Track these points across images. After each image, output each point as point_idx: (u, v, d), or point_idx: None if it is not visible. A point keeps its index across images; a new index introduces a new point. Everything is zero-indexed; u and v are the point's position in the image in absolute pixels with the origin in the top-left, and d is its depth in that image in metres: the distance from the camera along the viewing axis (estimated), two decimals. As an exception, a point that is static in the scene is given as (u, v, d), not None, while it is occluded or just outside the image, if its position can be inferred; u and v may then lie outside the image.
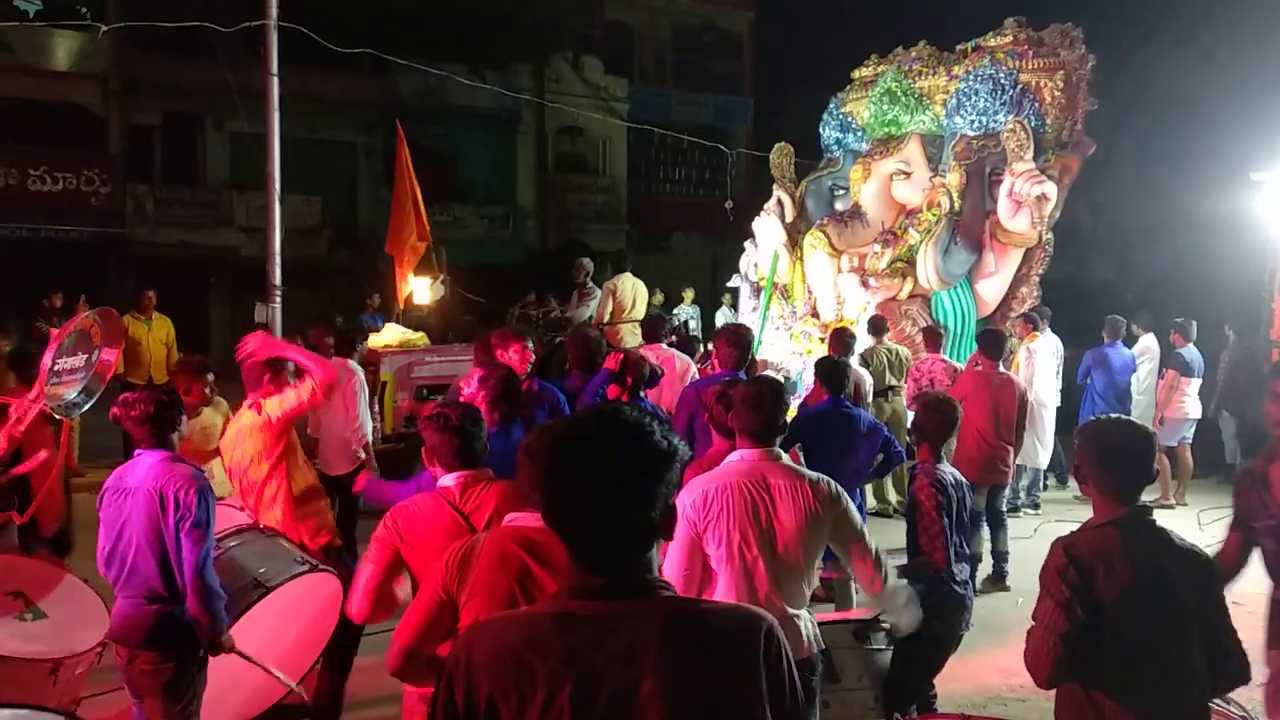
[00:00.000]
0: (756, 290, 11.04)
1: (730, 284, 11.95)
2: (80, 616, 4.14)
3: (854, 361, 7.81)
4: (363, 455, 6.67)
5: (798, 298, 10.76)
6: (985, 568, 7.13)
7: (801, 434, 5.90)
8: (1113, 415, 3.08)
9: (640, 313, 10.55)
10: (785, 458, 3.44)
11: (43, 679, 3.78)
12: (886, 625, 4.21)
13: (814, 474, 3.40)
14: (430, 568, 2.91)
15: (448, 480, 3.22)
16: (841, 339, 7.77)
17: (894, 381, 8.97)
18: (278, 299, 11.52)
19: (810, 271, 10.59)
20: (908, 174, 10.61)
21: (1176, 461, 9.83)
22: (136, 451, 3.74)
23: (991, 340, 7.47)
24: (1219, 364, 10.61)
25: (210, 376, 5.14)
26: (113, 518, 3.65)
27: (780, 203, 11.21)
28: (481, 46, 22.86)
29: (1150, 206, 26.53)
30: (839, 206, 11.19)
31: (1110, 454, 2.83)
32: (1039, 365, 9.21)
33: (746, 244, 11.44)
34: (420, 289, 11.18)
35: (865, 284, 9.99)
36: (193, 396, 4.88)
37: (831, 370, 6.13)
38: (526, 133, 24.40)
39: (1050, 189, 9.51)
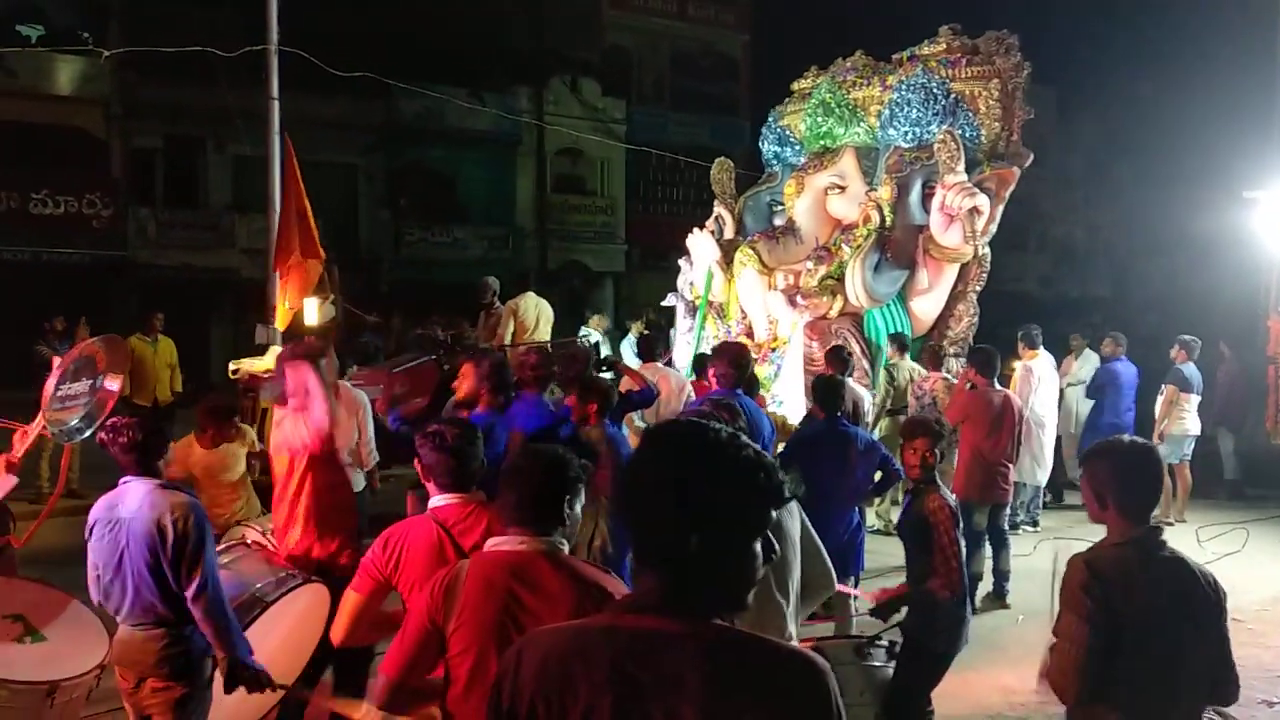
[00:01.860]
0: (692, 309, 10.56)
1: (665, 302, 11.40)
2: (80, 640, 4.08)
3: (851, 380, 7.84)
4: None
5: (733, 317, 10.29)
6: (985, 585, 7.15)
7: (798, 454, 5.95)
8: (1125, 437, 3.12)
9: (545, 334, 10.20)
10: None
11: (39, 703, 3.72)
12: (886, 643, 4.24)
13: None
14: (416, 593, 2.91)
15: (439, 501, 3.23)
16: (839, 356, 7.79)
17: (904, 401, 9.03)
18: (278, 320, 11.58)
19: (741, 290, 10.13)
20: (843, 188, 10.21)
21: (1176, 479, 9.85)
22: (123, 479, 3.70)
23: (984, 359, 7.47)
24: (1216, 380, 10.65)
25: (235, 416, 5.82)
26: (108, 550, 3.61)
27: (720, 219, 10.89)
28: (481, 69, 23.03)
29: (1146, 225, 26.66)
30: (778, 222, 10.77)
31: (1131, 474, 2.85)
32: (1036, 383, 9.24)
33: (681, 262, 10.97)
34: (309, 309, 10.31)
35: (793, 302, 9.52)
36: (221, 436, 5.76)
37: (827, 389, 6.15)
38: (526, 154, 24.53)
39: (983, 201, 9.05)
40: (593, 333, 13.28)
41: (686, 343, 10.23)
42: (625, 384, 6.64)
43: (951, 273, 9.52)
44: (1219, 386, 10.80)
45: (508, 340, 9.73)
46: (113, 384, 4.65)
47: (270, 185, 11.58)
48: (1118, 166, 31.79)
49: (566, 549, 2.65)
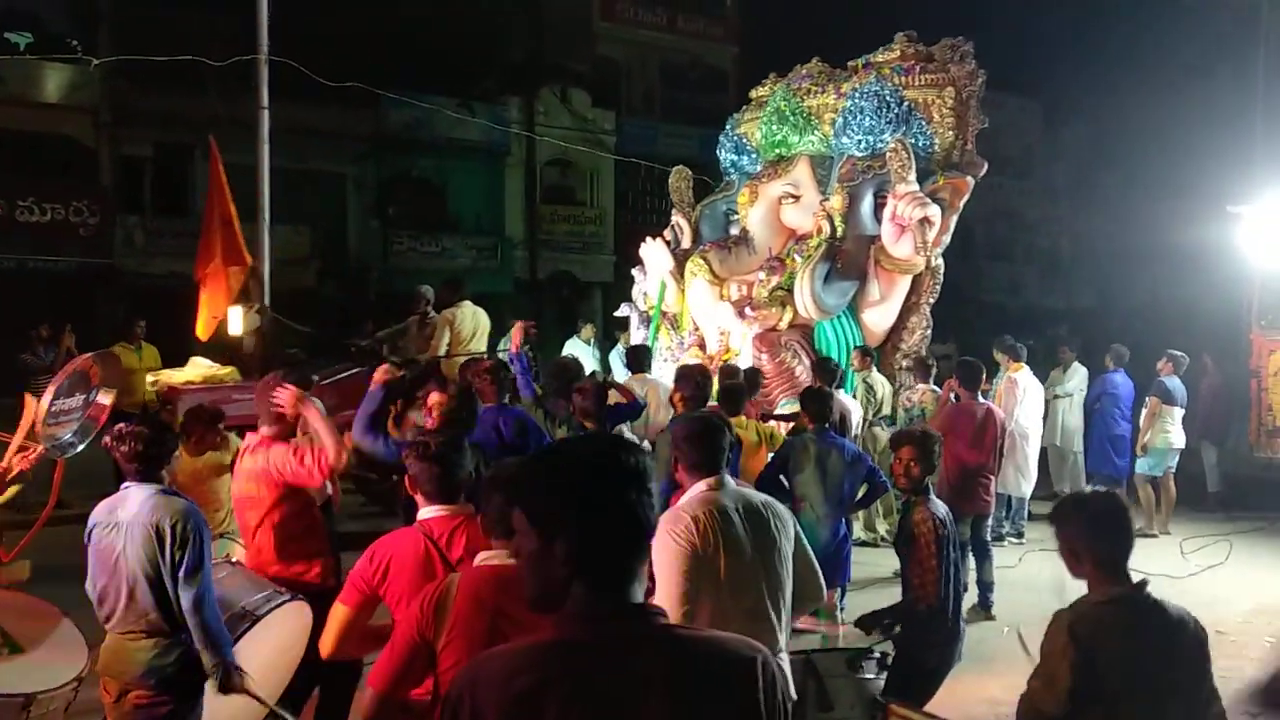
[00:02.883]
0: (646, 319, 10.30)
1: (618, 312, 11.16)
2: (58, 650, 4.04)
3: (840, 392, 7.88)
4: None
5: (686, 328, 10.05)
6: (970, 598, 7.17)
7: (785, 464, 5.98)
8: (1089, 489, 3.15)
9: (481, 344, 9.86)
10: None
11: (14, 715, 3.69)
12: (878, 655, 4.25)
13: None
14: (404, 606, 2.91)
15: (427, 513, 3.24)
16: (826, 367, 7.83)
17: (888, 411, 9.07)
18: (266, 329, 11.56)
19: (692, 301, 9.87)
20: (796, 197, 9.89)
21: (1161, 491, 9.92)
22: (124, 484, 3.72)
23: (969, 371, 7.54)
24: (1199, 393, 10.74)
25: (221, 425, 5.84)
26: (105, 553, 3.62)
27: (678, 228, 10.69)
28: (471, 80, 23.06)
29: (1131, 236, 26.82)
30: (734, 232, 10.45)
31: (1100, 526, 2.86)
32: (1020, 395, 9.31)
33: (635, 271, 10.73)
34: (234, 318, 9.96)
35: (741, 314, 9.29)
36: (205, 444, 5.74)
37: (815, 400, 6.19)
38: (515, 164, 24.56)
39: (934, 211, 8.81)
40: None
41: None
42: (613, 396, 6.68)
43: (904, 284, 9.31)
44: (1202, 399, 10.89)
45: (442, 351, 9.42)
46: (105, 399, 4.67)
47: (260, 193, 11.59)
48: (1103, 177, 32.02)
49: None
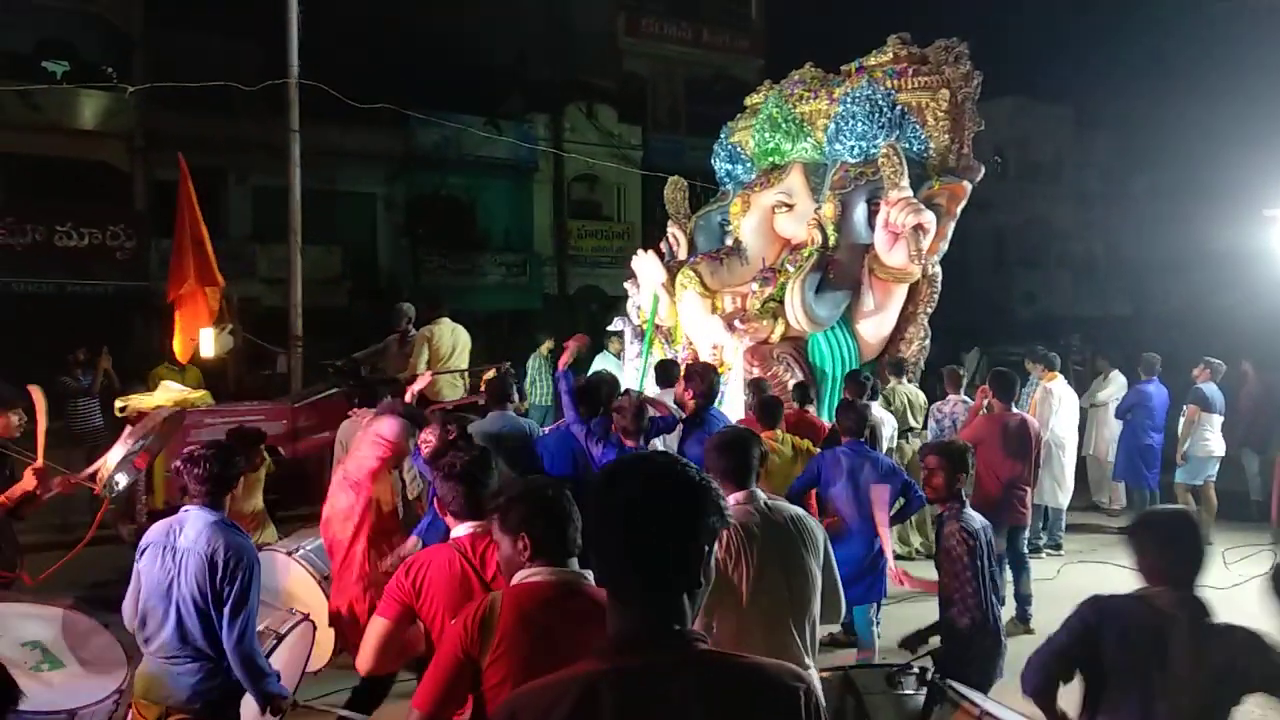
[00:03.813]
0: (639, 334, 9.94)
1: (611, 327, 10.94)
2: (99, 664, 4.08)
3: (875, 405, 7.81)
4: None
5: (680, 342, 9.68)
6: (1008, 610, 7.08)
7: (819, 478, 5.94)
8: (1167, 507, 3.32)
9: (462, 361, 9.62)
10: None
11: (58, 731, 3.76)
12: (917, 670, 4.20)
13: None
14: (441, 620, 2.94)
15: (460, 531, 3.27)
16: (856, 380, 7.78)
17: (914, 424, 8.97)
18: (299, 349, 11.68)
19: (683, 314, 9.49)
20: (790, 206, 9.54)
21: (1202, 500, 9.75)
22: (185, 508, 3.72)
23: (1002, 381, 7.45)
24: (1238, 401, 10.57)
25: (262, 444, 6.20)
26: (159, 575, 3.64)
27: (674, 239, 10.38)
28: (498, 98, 23.25)
29: (1165, 242, 26.50)
30: (730, 243, 10.12)
31: (1170, 541, 3.02)
32: (1055, 404, 9.20)
33: (627, 284, 10.40)
34: (205, 340, 9.66)
35: (731, 326, 8.93)
36: (249, 463, 5.80)
37: (850, 413, 6.15)
38: (543, 181, 24.70)
39: (928, 218, 8.45)
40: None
41: (635, 369, 9.68)
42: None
43: (900, 294, 8.94)
44: (1243, 407, 10.72)
45: (421, 369, 9.08)
46: (157, 445, 4.82)
47: (291, 215, 11.73)
48: (1135, 182, 31.69)
49: (591, 579, 2.68)
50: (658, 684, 1.62)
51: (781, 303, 8.80)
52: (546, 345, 12.75)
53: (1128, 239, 31.05)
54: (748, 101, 10.67)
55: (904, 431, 8.77)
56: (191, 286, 9.56)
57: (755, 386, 7.78)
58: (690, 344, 9.52)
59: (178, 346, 9.67)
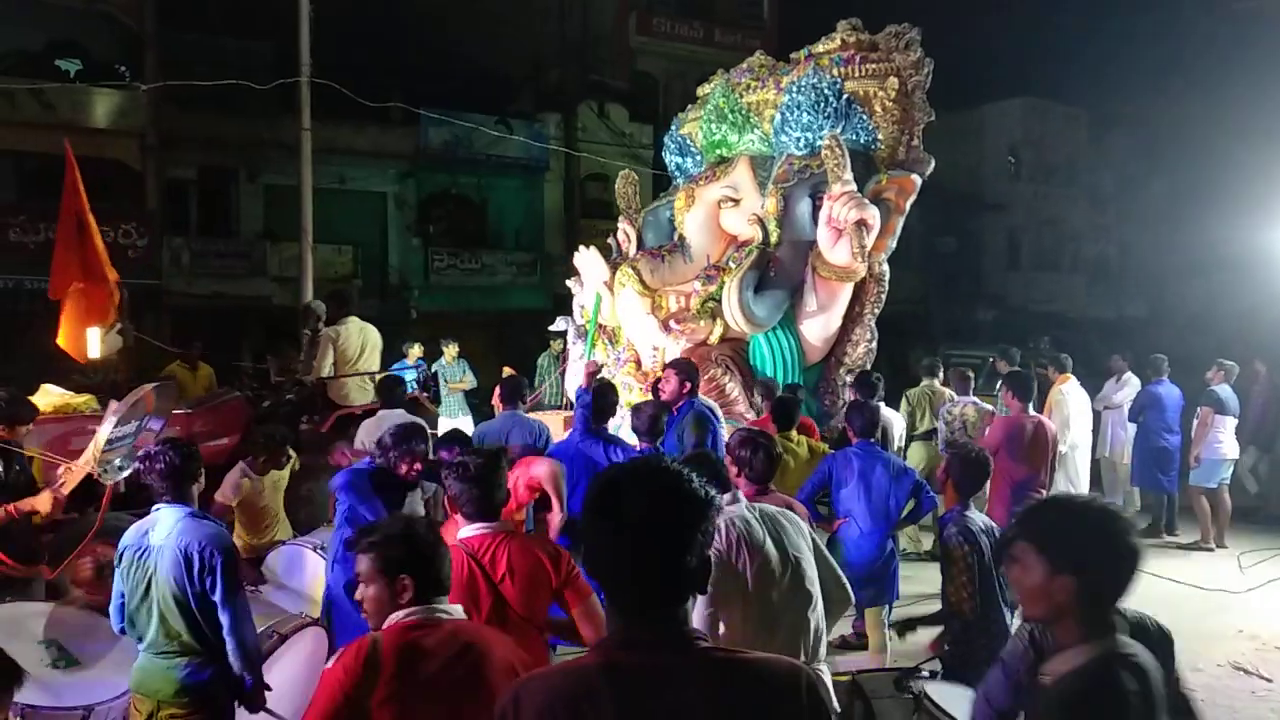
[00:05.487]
0: (582, 333, 9.45)
1: (553, 327, 10.46)
2: (113, 661, 4.14)
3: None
4: None
5: (623, 342, 9.14)
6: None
7: (830, 479, 5.89)
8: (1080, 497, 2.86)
9: (373, 362, 9.02)
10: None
11: (75, 728, 3.78)
12: (926, 674, 4.16)
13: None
14: None
15: (469, 531, 3.25)
16: (866, 382, 7.72)
17: (933, 425, 8.94)
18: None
19: (621, 313, 8.94)
20: (736, 201, 9.01)
21: (1216, 503, 9.66)
22: (155, 506, 3.75)
23: (1019, 382, 7.38)
24: (1250, 399, 10.51)
25: (289, 445, 6.50)
26: (137, 577, 3.67)
27: (624, 235, 9.76)
28: (509, 97, 23.26)
29: (1182, 244, 26.35)
30: (675, 239, 9.49)
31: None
32: (1071, 407, 9.13)
33: (570, 283, 9.86)
34: (91, 340, 8.82)
35: (667, 327, 8.47)
36: (271, 463, 6.28)
37: (861, 414, 6.10)
38: (554, 180, 24.70)
39: (871, 213, 8.00)
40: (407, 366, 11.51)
41: (576, 370, 8.96)
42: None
43: (845, 293, 8.42)
44: (1254, 406, 10.66)
45: (326, 371, 8.66)
46: (155, 424, 4.75)
47: (302, 213, 11.75)
48: (1151, 184, 31.51)
49: (459, 613, 2.69)
50: (659, 680, 1.62)
51: (720, 302, 8.38)
52: (556, 345, 12.69)
53: (1143, 241, 30.87)
54: (699, 91, 10.12)
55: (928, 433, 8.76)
56: (84, 282, 8.77)
57: (763, 387, 7.73)
58: (632, 346, 9.04)
59: (63, 345, 8.88)
